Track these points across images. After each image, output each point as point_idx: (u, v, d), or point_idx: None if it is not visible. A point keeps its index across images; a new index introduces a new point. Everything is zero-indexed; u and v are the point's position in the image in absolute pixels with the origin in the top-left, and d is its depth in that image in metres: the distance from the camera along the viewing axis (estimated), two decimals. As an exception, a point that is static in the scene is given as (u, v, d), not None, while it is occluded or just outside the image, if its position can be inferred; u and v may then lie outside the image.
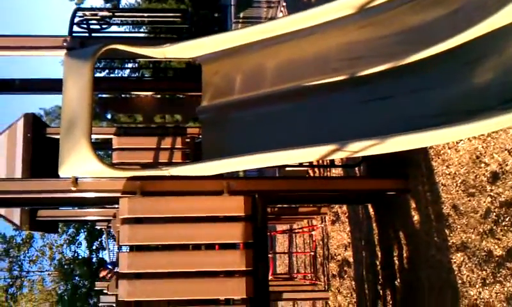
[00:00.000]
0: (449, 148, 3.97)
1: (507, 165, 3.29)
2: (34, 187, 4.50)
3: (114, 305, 8.42)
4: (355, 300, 6.55)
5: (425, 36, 3.64)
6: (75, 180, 4.28)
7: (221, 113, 4.75)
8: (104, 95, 6.63)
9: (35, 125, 5.70)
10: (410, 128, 3.07)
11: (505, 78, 3.03)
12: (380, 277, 5.46)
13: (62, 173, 4.14)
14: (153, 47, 4.55)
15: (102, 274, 10.39)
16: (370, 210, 5.74)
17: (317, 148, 3.45)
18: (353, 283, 6.63)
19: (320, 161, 7.14)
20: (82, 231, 29.83)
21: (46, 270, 31.88)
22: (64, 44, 4.67)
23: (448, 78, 3.47)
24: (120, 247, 4.57)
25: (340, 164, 6.79)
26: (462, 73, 3.37)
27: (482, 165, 3.55)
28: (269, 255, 9.64)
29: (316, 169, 8.10)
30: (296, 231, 10.16)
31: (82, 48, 4.63)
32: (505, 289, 3.27)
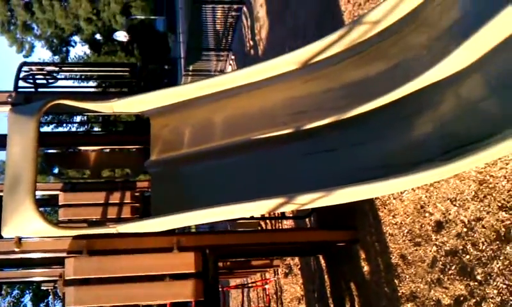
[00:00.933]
0: (394, 198, 4.06)
1: (450, 214, 3.39)
2: (-27, 249, 4.30)
3: None
4: (310, 354, 6.47)
5: (366, 90, 3.79)
6: (19, 240, 4.11)
7: (170, 167, 4.72)
8: (50, 150, 6.49)
9: (-23, 182, 5.49)
10: (355, 180, 3.13)
11: (443, 131, 3.17)
12: (334, 330, 5.44)
13: (5, 233, 3.98)
14: (101, 101, 4.52)
15: None
16: (322, 261, 5.76)
17: (265, 201, 3.47)
18: (307, 336, 6.56)
19: (271, 213, 7.16)
20: (27, 292, 28.46)
21: (-12, 336, 30.06)
22: (9, 99, 4.58)
23: (389, 131, 3.60)
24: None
25: (290, 215, 6.82)
26: (402, 126, 3.50)
27: (427, 214, 3.64)
28: (223, 311, 9.46)
29: (268, 221, 8.10)
30: (249, 285, 10.04)
31: (27, 104, 4.54)
32: (456, 338, 3.31)
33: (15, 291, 28.49)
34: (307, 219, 6.14)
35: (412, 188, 3.77)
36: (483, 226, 3.09)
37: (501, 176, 2.98)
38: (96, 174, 6.70)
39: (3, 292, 25.89)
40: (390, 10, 3.59)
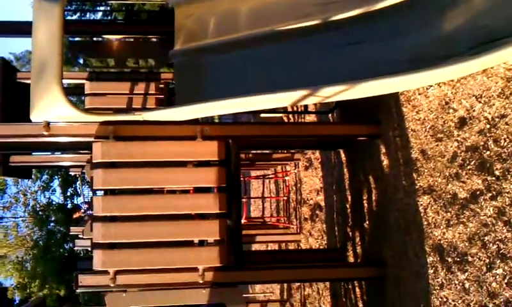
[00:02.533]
0: (419, 94, 4.04)
1: (474, 110, 3.38)
2: (5, 132, 4.44)
3: (89, 248, 8.52)
4: (325, 242, 6.75)
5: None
6: (47, 125, 4.23)
7: (194, 57, 4.72)
8: (75, 39, 6.50)
9: (5, 70, 5.58)
10: (382, 73, 3.10)
11: (474, 24, 3.08)
12: (350, 220, 5.63)
13: (34, 117, 4.09)
14: (125, -12, 4.46)
15: (76, 215, 10.47)
16: (342, 155, 5.85)
17: (289, 93, 3.48)
18: (324, 225, 6.82)
19: (295, 107, 7.20)
20: (56, 177, 29.61)
21: (20, 217, 31.74)
22: (33, -15, 4.52)
23: (419, 24, 3.50)
24: (94, 192, 4.59)
25: (313, 110, 6.85)
26: (433, 19, 3.40)
27: (451, 110, 3.63)
28: (243, 200, 9.81)
29: (290, 116, 8.15)
30: (270, 176, 10.29)
31: (51, -11, 4.49)
32: (468, 230, 3.42)
33: (44, 176, 29.68)
34: (330, 115, 6.17)
35: (438, 84, 3.73)
36: (506, 123, 3.09)
37: (530, 73, 2.93)
38: (120, 64, 6.73)
39: (33, 176, 26.99)
40: None
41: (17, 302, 31.08)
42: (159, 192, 5.10)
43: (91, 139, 4.31)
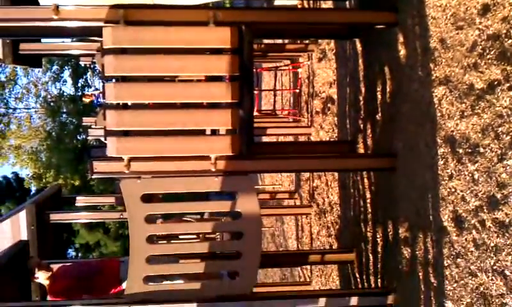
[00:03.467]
0: (442, -22, 3.85)
1: (499, -4, 3.23)
2: (14, 15, 4.33)
3: (103, 138, 8.65)
4: (336, 135, 6.78)
5: None
6: (57, 7, 4.13)
7: None
8: None
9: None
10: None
11: None
12: (362, 112, 5.60)
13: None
14: None
15: (86, 98, 10.55)
16: (358, 45, 5.71)
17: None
18: (335, 118, 6.81)
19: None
20: (66, 68, 29.54)
21: (32, 108, 32.09)
22: None
23: None
24: (105, 79, 4.56)
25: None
26: None
27: (474, -4, 3.47)
28: (255, 91, 9.77)
29: (305, 3, 7.90)
30: (282, 68, 10.17)
31: None
32: (482, 121, 3.39)
33: (54, 67, 29.62)
34: (347, 2, 5.95)
35: (463, -33, 3.54)
36: (532, 10, 2.96)
37: None
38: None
39: (43, 67, 26.92)
40: None
41: (33, 192, 32.16)
42: (171, 80, 5.07)
43: (102, 24, 4.20)
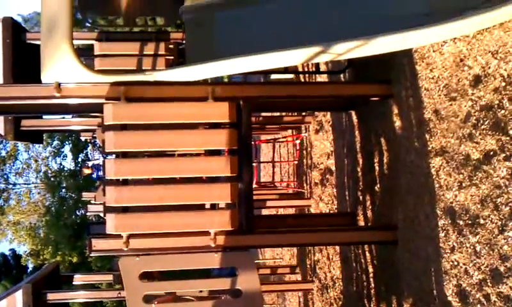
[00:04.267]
0: (433, 51, 3.96)
1: (489, 68, 3.30)
2: (16, 93, 4.41)
3: (102, 213, 8.61)
4: (336, 206, 6.76)
5: None
6: (58, 85, 4.22)
7: (205, 13, 4.64)
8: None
9: (14, 30, 5.54)
10: (394, 28, 3.05)
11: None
12: (361, 184, 5.61)
13: (45, 78, 4.07)
14: None
15: (85, 171, 10.57)
16: (354, 117, 5.80)
17: (301, 50, 3.43)
18: (335, 190, 6.81)
19: (306, 67, 7.12)
20: (67, 143, 29.80)
21: (32, 183, 32.10)
22: None
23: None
24: (105, 155, 4.60)
25: (325, 70, 6.78)
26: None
27: (466, 68, 3.56)
28: (254, 164, 9.82)
29: (301, 76, 8.08)
30: (280, 140, 10.28)
31: None
32: (480, 191, 3.38)
33: (55, 142, 29.89)
34: (342, 75, 6.10)
35: (453, 40, 3.65)
36: (523, 81, 3.03)
37: (549, 29, 2.86)
38: (129, 22, 6.67)
39: (44, 142, 27.16)
40: None
41: (30, 269, 31.61)
42: (170, 155, 5.11)
43: (102, 101, 4.29)
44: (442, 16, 2.98)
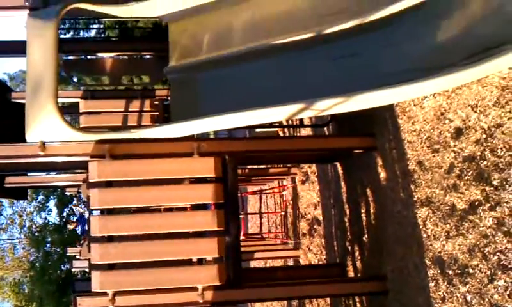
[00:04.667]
0: (414, 105, 4.04)
1: (469, 120, 3.37)
2: (1, 153, 4.41)
3: (87, 269, 8.47)
4: (325, 257, 6.71)
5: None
6: (43, 144, 4.21)
7: (189, 73, 4.72)
8: (69, 57, 6.49)
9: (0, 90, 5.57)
10: (377, 85, 3.11)
11: (467, 34, 3.09)
12: (349, 234, 5.60)
13: (29, 137, 4.07)
14: (119, 5, 4.46)
15: (70, 226, 10.44)
16: (339, 168, 5.84)
17: (285, 107, 3.48)
18: (323, 240, 6.78)
19: (290, 121, 7.20)
20: (51, 197, 29.47)
21: (16, 238, 31.54)
22: (27, 3, 4.54)
23: (413, 35, 3.52)
24: (90, 212, 4.56)
25: (309, 123, 6.85)
26: (427, 29, 3.42)
27: (447, 121, 3.63)
28: (241, 216, 9.77)
29: (286, 130, 8.16)
30: (267, 191, 10.27)
31: (45, 8, 4.51)
32: (468, 241, 3.40)
33: (40, 197, 29.53)
34: (325, 128, 6.17)
35: (433, 95, 3.73)
36: (503, 133, 3.09)
37: (525, 82, 2.94)
38: (115, 81, 6.73)
39: (28, 197, 26.85)
40: None
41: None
42: (156, 210, 5.07)
43: (87, 158, 4.28)
44: (422, 73, 3.05)
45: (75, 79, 7.16)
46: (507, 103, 3.06)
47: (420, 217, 3.96)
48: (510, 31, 2.75)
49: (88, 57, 6.28)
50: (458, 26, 3.20)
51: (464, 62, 2.94)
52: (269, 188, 10.03)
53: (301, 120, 6.52)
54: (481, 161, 3.27)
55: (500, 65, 2.78)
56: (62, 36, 8.09)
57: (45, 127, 3.95)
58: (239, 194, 7.08)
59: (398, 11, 3.48)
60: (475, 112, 3.31)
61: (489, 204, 3.19)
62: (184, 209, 4.64)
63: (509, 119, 3.04)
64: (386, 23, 3.63)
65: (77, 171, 5.94)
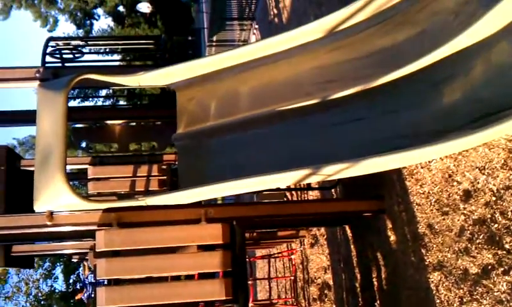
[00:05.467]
0: (422, 168, 4.03)
1: (478, 183, 3.35)
2: (9, 223, 4.41)
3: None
4: (336, 323, 6.53)
5: (393, 58, 3.73)
6: (51, 214, 4.21)
7: (196, 140, 4.76)
8: (78, 125, 6.59)
9: (9, 158, 5.61)
10: (382, 149, 3.11)
11: (472, 98, 3.12)
12: (360, 300, 5.47)
13: (37, 208, 4.06)
14: (128, 75, 4.55)
15: (78, 296, 10.26)
16: (348, 231, 5.77)
17: (291, 173, 3.48)
18: (334, 306, 6.62)
19: (298, 184, 7.18)
20: (58, 264, 29.23)
21: (22, 306, 31.09)
22: (37, 75, 4.65)
23: (417, 99, 3.55)
24: (97, 282, 4.51)
25: (316, 186, 6.83)
26: (431, 94, 3.45)
27: (455, 183, 3.61)
28: (249, 282, 9.60)
29: (294, 192, 8.12)
30: (275, 255, 10.13)
31: (55, 79, 4.61)
32: None
33: (46, 264, 29.29)
34: (333, 190, 6.14)
35: (440, 157, 3.73)
36: (512, 195, 3.06)
37: (532, 144, 2.94)
38: (123, 147, 6.79)
39: (35, 265, 26.64)
40: (417, -25, 3.51)
41: None
42: (163, 278, 5.00)
43: (95, 227, 4.26)
44: (427, 138, 3.06)
45: (83, 144, 7.24)
46: (514, 165, 3.05)
47: (432, 281, 3.88)
48: (513, 95, 2.78)
49: (97, 124, 6.36)
50: (462, 90, 3.24)
51: (470, 126, 2.95)
52: (278, 252, 9.90)
53: (309, 183, 6.50)
54: (492, 224, 3.22)
55: (506, 130, 2.79)
56: (71, 104, 8.24)
57: (53, 198, 3.95)
58: (247, 259, 6.99)
59: (400, 77, 3.53)
60: (483, 174, 3.30)
61: (502, 269, 3.13)
62: (191, 276, 4.57)
63: (517, 181, 3.02)
64: (389, 90, 3.68)
65: (85, 239, 5.90)
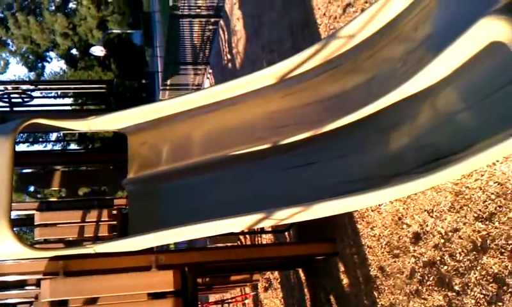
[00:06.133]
0: (372, 211, 4.09)
1: (427, 225, 3.42)
2: None
3: None
4: None
5: (344, 104, 3.82)
6: (-6, 262, 4.03)
7: (147, 185, 4.69)
8: (26, 170, 6.41)
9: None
10: (334, 193, 3.15)
11: (419, 144, 3.21)
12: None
13: (-20, 258, 3.89)
14: (78, 119, 4.47)
15: None
16: (301, 274, 5.76)
17: (244, 218, 3.46)
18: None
19: (251, 228, 7.15)
20: (2, 313, 27.81)
21: None
22: (-16, 120, 4.52)
23: (367, 145, 3.63)
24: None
25: (270, 229, 6.82)
26: (379, 140, 3.54)
27: (404, 226, 3.67)
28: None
29: (247, 236, 8.08)
30: (229, 300, 9.97)
31: (2, 124, 4.48)
32: (435, 348, 3.33)
33: (-10, 314, 27.89)
34: (286, 233, 6.14)
35: (390, 201, 3.80)
36: (460, 237, 3.13)
37: (476, 187, 3.03)
38: (72, 192, 6.62)
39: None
40: (365, 23, 3.62)
41: None
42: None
43: (40, 276, 4.09)
44: (376, 182, 3.12)
45: (31, 189, 7.02)
46: (461, 208, 3.13)
47: (385, 324, 3.89)
48: (459, 141, 2.87)
49: (45, 169, 6.21)
50: (408, 136, 3.33)
51: (416, 171, 3.02)
52: (232, 297, 9.74)
53: (262, 227, 6.49)
54: (441, 266, 3.28)
55: (451, 175, 2.87)
56: (19, 148, 8.01)
57: (-3, 246, 3.78)
58: (199, 305, 6.84)
59: (350, 122, 3.60)
60: (432, 217, 3.37)
61: (452, 311, 3.17)
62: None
63: (464, 223, 3.10)
64: (340, 134, 3.75)
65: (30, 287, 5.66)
